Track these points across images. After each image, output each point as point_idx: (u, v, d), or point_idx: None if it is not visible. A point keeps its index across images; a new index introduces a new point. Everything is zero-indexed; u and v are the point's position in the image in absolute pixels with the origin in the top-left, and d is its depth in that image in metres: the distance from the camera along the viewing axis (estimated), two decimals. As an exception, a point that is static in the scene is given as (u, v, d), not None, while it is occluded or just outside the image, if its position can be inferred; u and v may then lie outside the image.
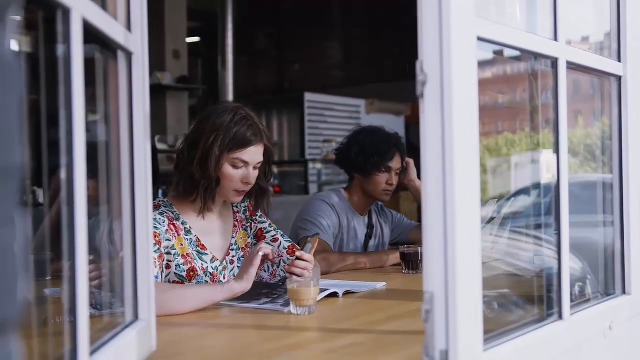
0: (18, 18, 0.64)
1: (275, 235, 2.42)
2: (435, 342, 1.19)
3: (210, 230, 2.32)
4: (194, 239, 2.25)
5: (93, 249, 1.19)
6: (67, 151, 1.01)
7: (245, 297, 2.05)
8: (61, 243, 1.04)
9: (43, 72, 1.06)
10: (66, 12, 0.99)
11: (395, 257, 2.85)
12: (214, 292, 1.99)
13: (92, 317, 1.10)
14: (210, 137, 2.17)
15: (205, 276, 2.23)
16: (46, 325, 1.27)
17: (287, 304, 1.93)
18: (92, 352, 1.10)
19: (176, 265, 2.16)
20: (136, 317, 1.39)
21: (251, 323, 1.81)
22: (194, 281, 2.20)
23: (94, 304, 1.32)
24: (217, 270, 2.28)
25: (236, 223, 2.40)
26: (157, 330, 1.46)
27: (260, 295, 2.09)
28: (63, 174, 1.01)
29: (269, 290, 2.16)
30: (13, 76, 0.59)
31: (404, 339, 1.65)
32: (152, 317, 1.42)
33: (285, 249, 2.37)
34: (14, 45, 0.61)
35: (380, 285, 2.37)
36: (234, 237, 2.37)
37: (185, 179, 2.22)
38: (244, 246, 2.39)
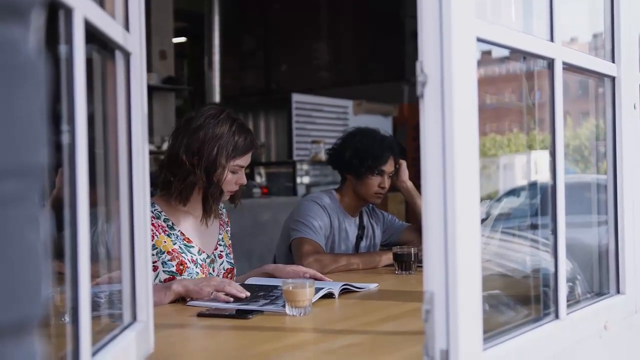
0: (42, 17, 0.64)
1: (224, 252, 2.49)
2: (435, 341, 1.20)
3: (197, 227, 2.38)
4: (179, 233, 2.31)
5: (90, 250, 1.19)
6: (70, 151, 1.00)
7: (243, 300, 2.04)
8: (56, 244, 1.03)
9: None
10: (68, 11, 0.99)
11: (387, 258, 2.85)
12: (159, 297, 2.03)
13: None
14: (214, 148, 2.25)
15: (196, 267, 2.30)
16: (44, 327, 1.25)
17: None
18: (93, 354, 1.10)
19: (163, 263, 2.20)
20: (134, 318, 1.38)
21: (248, 324, 1.80)
22: (185, 274, 2.25)
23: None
24: (205, 262, 2.34)
25: (222, 222, 2.49)
26: (154, 331, 1.45)
27: (258, 298, 2.08)
28: (65, 175, 1.00)
29: (265, 292, 2.16)
30: (37, 75, 0.59)
31: (401, 339, 1.65)
32: (150, 319, 1.42)
33: (224, 270, 2.45)
34: (38, 44, 0.60)
35: (374, 286, 2.37)
36: (220, 234, 2.46)
37: (188, 186, 2.27)
38: (228, 244, 2.49)
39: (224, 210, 2.55)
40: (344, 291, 2.23)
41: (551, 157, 1.56)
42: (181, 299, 2.10)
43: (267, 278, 2.40)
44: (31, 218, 0.58)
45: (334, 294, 2.15)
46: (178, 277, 2.22)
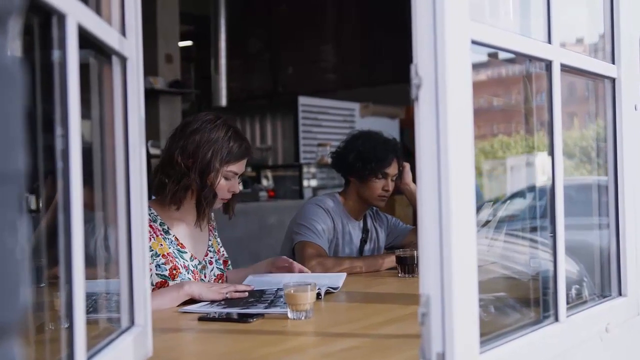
0: (19, 24, 0.64)
1: (214, 258, 2.51)
2: (431, 344, 1.19)
3: (189, 233, 2.40)
4: (173, 238, 2.34)
5: (88, 255, 1.19)
6: (63, 157, 1.00)
7: (238, 305, 2.04)
8: (56, 249, 1.03)
9: (37, 77, 1.06)
10: (61, 17, 0.99)
11: (390, 261, 2.85)
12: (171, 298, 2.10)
13: (87, 322, 1.09)
14: (208, 151, 2.29)
15: (187, 273, 2.32)
16: (41, 332, 1.26)
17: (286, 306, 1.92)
18: (89, 358, 1.10)
19: (157, 266, 2.22)
20: (132, 322, 1.39)
21: (248, 328, 1.80)
22: (178, 279, 2.27)
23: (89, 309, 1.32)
24: (196, 268, 2.36)
25: (211, 229, 2.52)
26: (152, 335, 1.45)
27: (254, 302, 2.08)
28: (59, 180, 1.00)
29: (255, 298, 2.15)
30: (14, 82, 0.59)
31: (400, 342, 1.65)
32: (148, 323, 1.42)
33: (214, 277, 2.46)
34: (15, 51, 0.61)
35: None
36: (210, 240, 2.49)
37: (182, 188, 2.29)
38: (217, 250, 2.51)
39: (212, 214, 2.57)
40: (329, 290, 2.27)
41: (550, 158, 1.55)
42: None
43: (264, 277, 2.42)
44: (10, 223, 0.58)
45: (320, 296, 2.16)
46: (171, 282, 2.24)
